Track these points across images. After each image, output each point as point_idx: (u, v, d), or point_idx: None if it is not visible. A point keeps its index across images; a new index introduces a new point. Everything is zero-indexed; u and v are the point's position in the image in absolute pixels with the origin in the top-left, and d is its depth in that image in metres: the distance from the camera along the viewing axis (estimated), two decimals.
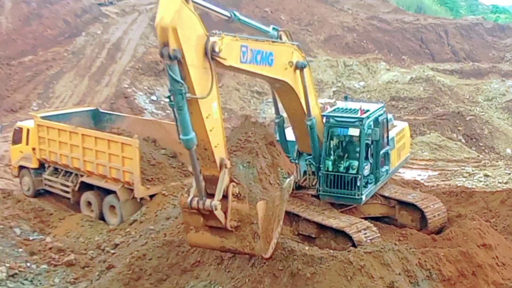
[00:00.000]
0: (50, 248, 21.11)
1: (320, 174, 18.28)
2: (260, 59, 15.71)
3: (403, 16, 70.31)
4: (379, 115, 18.52)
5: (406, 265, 15.10)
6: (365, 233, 16.72)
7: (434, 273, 15.43)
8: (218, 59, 13.95)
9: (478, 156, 33.98)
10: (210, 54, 13.72)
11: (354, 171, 18.05)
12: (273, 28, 17.60)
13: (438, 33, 66.74)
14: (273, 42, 16.53)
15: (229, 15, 15.68)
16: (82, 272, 19.62)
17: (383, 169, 19.01)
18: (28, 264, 19.96)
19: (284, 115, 19.24)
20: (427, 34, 66.09)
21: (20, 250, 20.96)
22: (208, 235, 14.74)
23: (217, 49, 13.80)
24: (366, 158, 18.20)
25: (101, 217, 24.73)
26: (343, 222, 17.17)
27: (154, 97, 47.09)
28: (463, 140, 37.25)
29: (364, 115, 17.87)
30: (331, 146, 18.46)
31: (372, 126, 18.05)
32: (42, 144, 26.97)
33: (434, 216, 18.86)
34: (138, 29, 59.34)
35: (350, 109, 18.55)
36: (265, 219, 14.91)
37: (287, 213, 18.19)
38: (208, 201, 14.27)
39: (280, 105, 18.93)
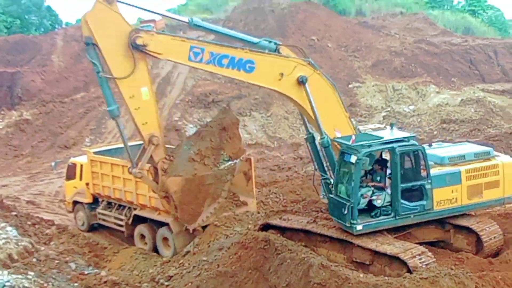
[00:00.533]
0: (105, 282, 21.24)
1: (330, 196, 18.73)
2: (227, 63, 18.57)
3: (451, 38, 69.63)
4: (394, 146, 18.12)
5: None
6: (420, 259, 16.49)
7: None
8: (147, 52, 18.21)
9: None
10: (132, 45, 17.97)
11: (347, 198, 17.97)
12: (269, 41, 19.97)
13: (487, 53, 65.86)
14: (249, 51, 18.77)
15: (187, 20, 19.85)
16: None
17: (413, 204, 18.28)
18: None
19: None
20: (476, 55, 65.28)
21: (76, 284, 21.16)
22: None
23: (139, 43, 18.00)
24: (380, 188, 18.41)
25: (155, 250, 24.85)
26: (397, 248, 16.96)
27: None
28: None
29: (357, 144, 17.95)
30: (341, 171, 18.61)
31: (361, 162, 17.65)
32: (95, 179, 27.34)
33: (490, 239, 18.52)
34: None
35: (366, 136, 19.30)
36: (188, 194, 18.31)
37: (340, 240, 18.11)
38: (134, 169, 18.81)
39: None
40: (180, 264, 21.81)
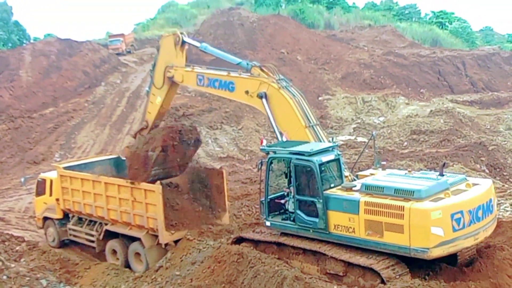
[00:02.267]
0: None
1: None
2: (218, 85, 23.66)
3: (419, 50, 70.45)
4: (291, 158, 18.68)
5: None
6: (394, 269, 16.46)
7: None
8: (174, 81, 25.19)
9: (503, 186, 33.53)
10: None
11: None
12: (247, 63, 23.37)
13: (456, 65, 66.74)
14: (230, 74, 23.24)
15: (199, 45, 25.10)
16: None
17: (308, 218, 18.33)
18: None
19: None
20: (444, 67, 66.10)
21: None
22: None
23: (168, 76, 25.11)
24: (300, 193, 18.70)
25: (127, 265, 24.64)
26: (370, 259, 16.95)
27: None
28: (486, 171, 36.81)
29: (265, 148, 19.97)
30: None
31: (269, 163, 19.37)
32: (65, 194, 27.08)
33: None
34: None
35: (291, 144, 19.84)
36: (134, 160, 24.86)
37: (313, 252, 18.10)
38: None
39: None
40: (153, 279, 21.64)
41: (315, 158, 18.05)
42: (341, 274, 17.39)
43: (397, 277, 16.17)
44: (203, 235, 23.12)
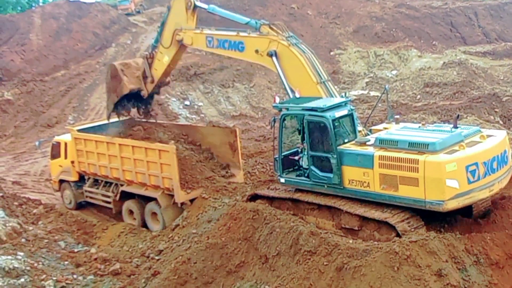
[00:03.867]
0: (95, 259, 21.30)
1: None
2: (228, 46, 23.65)
3: (431, 2, 69.53)
4: (304, 114, 18.60)
5: (452, 252, 14.91)
6: (409, 222, 16.49)
7: (482, 258, 15.21)
8: (184, 44, 25.29)
9: None
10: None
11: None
12: (256, 22, 23.30)
13: (468, 15, 65.88)
14: (239, 34, 23.18)
15: (207, 7, 25.06)
16: (129, 280, 19.76)
17: (322, 174, 18.28)
18: (75, 276, 20.16)
19: None
20: (457, 18, 65.28)
21: (66, 263, 21.19)
22: None
23: (177, 39, 25.10)
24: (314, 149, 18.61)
25: (144, 225, 24.90)
26: (385, 213, 16.98)
27: (187, 102, 47.28)
28: (500, 122, 36.56)
29: (278, 105, 19.81)
30: None
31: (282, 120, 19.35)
32: (80, 156, 27.24)
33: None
34: None
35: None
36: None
37: (328, 207, 18.16)
38: None
39: None
40: (169, 238, 21.86)
41: (328, 114, 17.96)
42: (356, 228, 17.45)
43: (412, 230, 16.20)
44: (218, 193, 23.24)
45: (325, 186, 18.28)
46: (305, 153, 18.87)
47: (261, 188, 21.42)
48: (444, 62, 53.38)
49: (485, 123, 33.56)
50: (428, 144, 16.29)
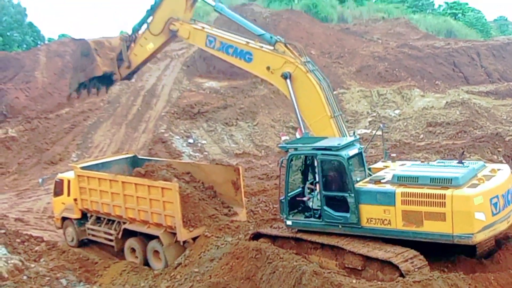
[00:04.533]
0: None
1: None
2: (232, 52, 22.55)
3: (434, 42, 69.99)
4: (317, 153, 18.47)
5: None
6: (412, 262, 16.44)
7: None
8: (179, 35, 24.23)
9: None
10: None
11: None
12: (271, 37, 22.21)
13: (470, 55, 66.25)
14: (249, 44, 22.20)
15: (213, 4, 24.03)
16: None
17: (337, 214, 18.19)
18: None
19: None
20: (459, 58, 65.63)
21: None
22: None
23: (172, 28, 23.94)
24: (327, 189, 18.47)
25: (146, 263, 24.76)
26: (389, 252, 16.93)
27: (191, 140, 47.37)
28: (504, 161, 36.62)
29: (285, 145, 19.76)
30: None
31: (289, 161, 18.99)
32: (83, 194, 27.20)
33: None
34: (171, 75, 60.10)
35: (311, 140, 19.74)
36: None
37: (331, 247, 18.08)
38: None
39: None
40: (172, 276, 21.72)
41: (343, 153, 18.01)
42: (359, 268, 17.38)
43: (416, 270, 16.14)
44: (221, 231, 23.17)
45: (340, 226, 18.17)
46: (315, 193, 18.74)
47: (264, 226, 21.40)
48: (447, 102, 53.56)
49: (488, 162, 33.61)
50: (451, 179, 16.59)
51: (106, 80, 27.17)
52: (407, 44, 67.73)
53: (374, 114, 54.34)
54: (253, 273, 17.73)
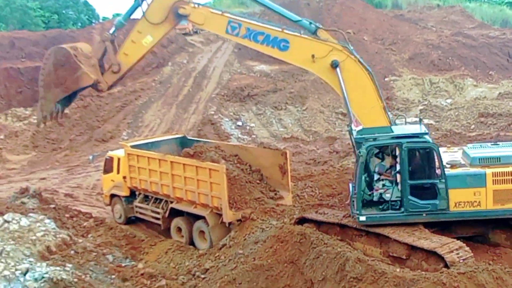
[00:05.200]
0: (142, 274, 21.42)
1: None
2: (262, 40, 20.28)
3: (489, 31, 68.78)
4: (402, 142, 18.04)
5: (501, 285, 14.67)
6: (458, 253, 16.34)
7: None
8: (190, 21, 21.25)
9: None
10: (176, 14, 20.88)
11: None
12: (310, 23, 20.64)
13: None
14: (285, 32, 20.12)
15: None
16: None
17: (424, 202, 17.98)
18: None
19: None
20: None
21: (113, 276, 21.35)
22: None
23: (182, 13, 20.69)
24: (391, 182, 18.48)
25: (191, 243, 25.01)
26: (434, 242, 16.83)
27: (239, 123, 47.55)
28: None
29: (361, 136, 18.64)
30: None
31: (373, 151, 18.40)
32: (132, 172, 27.53)
33: None
34: (223, 57, 60.31)
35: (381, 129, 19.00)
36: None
37: (376, 234, 18.03)
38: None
39: None
40: (216, 257, 21.91)
41: (430, 139, 18.17)
42: (404, 257, 17.33)
43: (461, 261, 16.04)
44: (266, 215, 23.25)
45: (424, 215, 18.07)
46: (393, 184, 18.49)
47: (309, 211, 21.39)
48: (499, 93, 52.67)
49: None
50: None
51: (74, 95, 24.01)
52: (461, 32, 66.68)
53: (426, 103, 53.69)
54: (296, 257, 17.78)
